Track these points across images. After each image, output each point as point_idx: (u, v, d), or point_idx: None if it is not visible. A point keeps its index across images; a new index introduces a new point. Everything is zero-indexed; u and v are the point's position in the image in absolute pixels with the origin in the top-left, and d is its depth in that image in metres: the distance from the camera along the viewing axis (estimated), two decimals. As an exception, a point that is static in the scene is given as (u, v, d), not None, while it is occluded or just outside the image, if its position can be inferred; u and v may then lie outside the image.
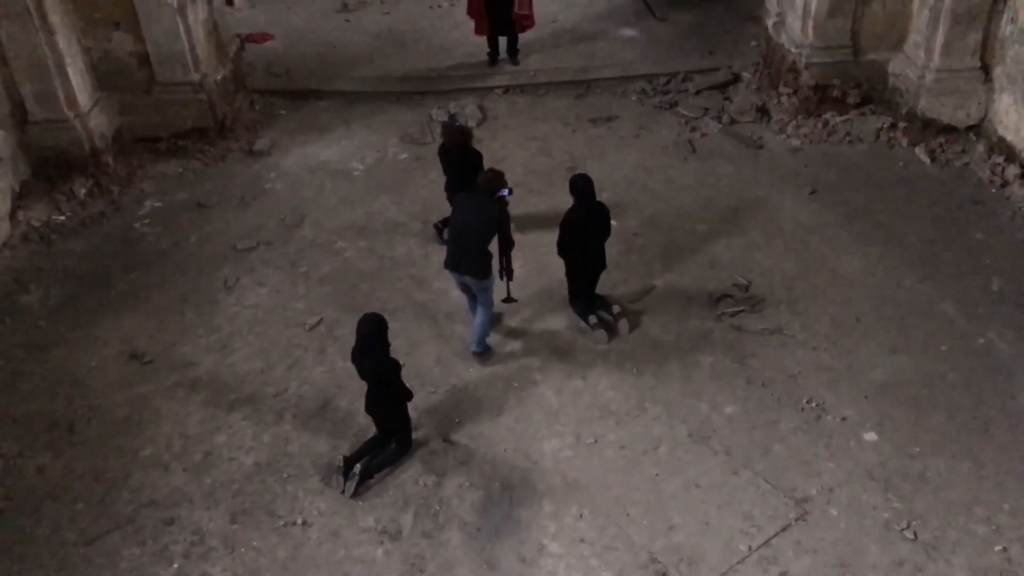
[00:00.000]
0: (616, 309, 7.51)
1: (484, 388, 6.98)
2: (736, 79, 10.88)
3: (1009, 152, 9.07)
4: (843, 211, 8.70)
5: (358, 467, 6.16)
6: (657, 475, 6.25)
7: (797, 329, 7.38)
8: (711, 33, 11.96)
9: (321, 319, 7.63)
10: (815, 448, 6.41)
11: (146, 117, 9.65)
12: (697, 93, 10.68)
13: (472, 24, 11.27)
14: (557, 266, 7.49)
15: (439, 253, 7.90)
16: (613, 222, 7.45)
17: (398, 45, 11.97)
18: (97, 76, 9.36)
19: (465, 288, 7.18)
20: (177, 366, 7.24)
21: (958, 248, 8.21)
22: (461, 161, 7.74)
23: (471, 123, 10.04)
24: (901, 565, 5.65)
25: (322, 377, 7.11)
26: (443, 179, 8.16)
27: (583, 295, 7.48)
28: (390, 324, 6.07)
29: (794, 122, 10.00)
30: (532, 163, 9.57)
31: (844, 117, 9.94)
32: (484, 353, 7.21)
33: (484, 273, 6.93)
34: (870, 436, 6.48)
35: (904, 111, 9.74)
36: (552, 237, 7.30)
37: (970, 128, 9.56)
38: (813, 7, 9.58)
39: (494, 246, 7.05)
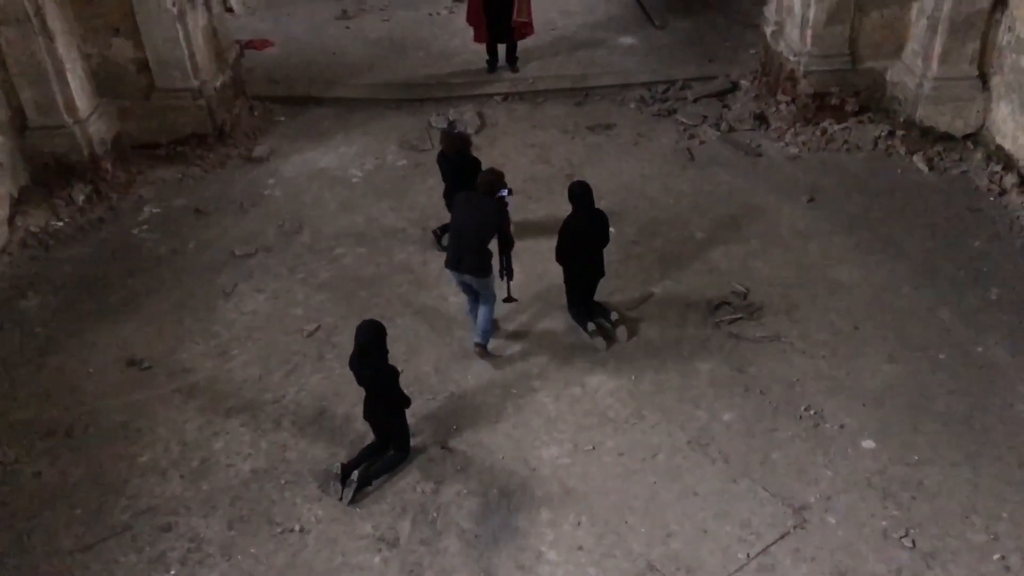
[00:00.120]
0: (614, 316, 7.51)
1: (482, 395, 6.98)
2: (735, 87, 10.91)
3: (1007, 160, 9.08)
4: (841, 219, 8.72)
5: (356, 474, 6.15)
6: (655, 482, 6.25)
7: (795, 337, 7.39)
8: (710, 41, 11.99)
9: (319, 325, 7.63)
10: (813, 456, 6.40)
11: (145, 123, 9.67)
12: (696, 101, 10.70)
13: (471, 31, 11.29)
14: (555, 273, 7.49)
15: (438, 259, 7.91)
16: (611, 229, 7.47)
17: (397, 52, 12.00)
18: (96, 82, 9.37)
19: (466, 288, 7.21)
20: (175, 372, 7.23)
21: (956, 256, 8.21)
22: (460, 168, 7.76)
23: (470, 130, 10.04)
24: (899, 573, 5.64)
25: (320, 383, 7.10)
26: (442, 186, 8.19)
27: (581, 302, 7.48)
28: (388, 330, 6.07)
29: (792, 130, 10.02)
30: (531, 170, 9.57)
31: (842, 125, 9.97)
32: (487, 346, 7.25)
33: (484, 272, 6.98)
34: (868, 444, 6.48)
35: (902, 119, 9.77)
36: (550, 244, 7.31)
37: (968, 136, 9.58)
38: (812, 15, 9.60)
39: (494, 245, 7.08)
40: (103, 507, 6.17)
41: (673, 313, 7.68)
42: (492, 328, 7.30)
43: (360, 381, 6.08)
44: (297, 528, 6.02)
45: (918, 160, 9.50)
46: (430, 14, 12.96)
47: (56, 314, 7.83)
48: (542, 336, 7.51)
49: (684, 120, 10.37)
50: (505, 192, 7.00)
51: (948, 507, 6.02)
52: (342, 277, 8.19)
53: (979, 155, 9.42)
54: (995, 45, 9.21)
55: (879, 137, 9.79)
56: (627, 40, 12.16)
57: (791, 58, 10.06)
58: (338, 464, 6.23)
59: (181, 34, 9.29)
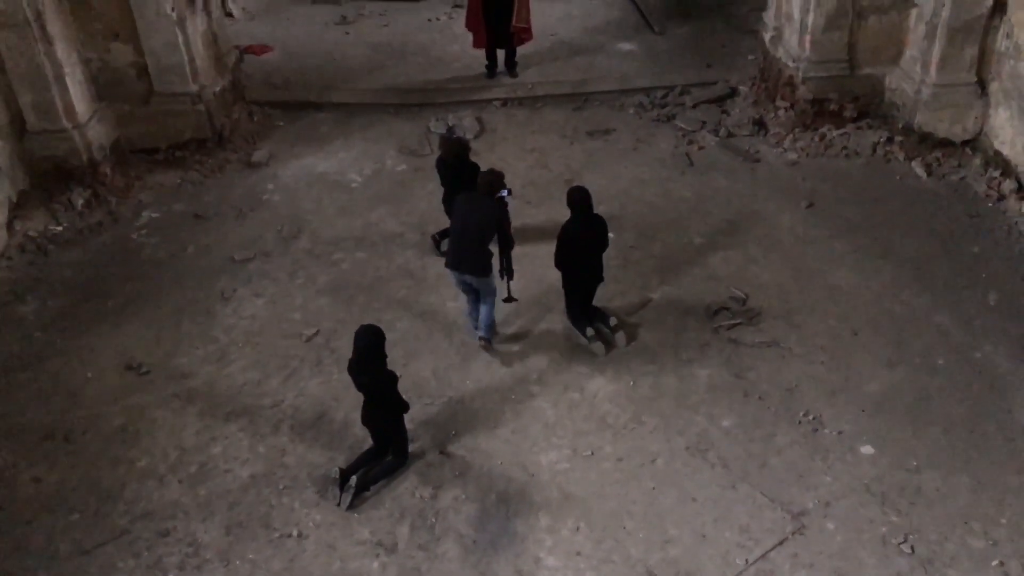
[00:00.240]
0: (613, 321, 7.51)
1: (481, 400, 6.98)
2: (733, 93, 10.92)
3: (1005, 166, 9.10)
4: (840, 224, 8.72)
5: (354, 479, 6.14)
6: (654, 488, 6.24)
7: (794, 342, 7.39)
8: (709, 47, 12.01)
9: (318, 330, 7.63)
10: (812, 461, 6.40)
11: (144, 128, 9.66)
12: (694, 106, 10.71)
13: (470, 37, 11.31)
14: (554, 278, 7.49)
15: (437, 264, 7.91)
16: (610, 234, 7.46)
17: (397, 57, 12.01)
18: (96, 87, 9.37)
19: (466, 287, 7.23)
20: (174, 377, 7.22)
21: (954, 262, 8.22)
22: (458, 173, 7.76)
23: (469, 135, 10.06)
24: (898, 579, 5.65)
25: (319, 388, 7.09)
26: (441, 191, 8.19)
27: (580, 307, 7.48)
28: (387, 335, 6.06)
29: (791, 136, 10.03)
30: (529, 175, 9.58)
31: (841, 131, 9.98)
32: (491, 340, 7.31)
33: (484, 271, 7.02)
34: (867, 449, 6.48)
35: (900, 125, 9.78)
36: (549, 249, 7.31)
37: (966, 142, 9.59)
38: (810, 21, 9.62)
39: (494, 246, 7.10)
40: (101, 512, 6.16)
41: (672, 318, 7.68)
42: (494, 320, 7.35)
43: (359, 386, 6.07)
44: (295, 533, 6.01)
45: (916, 166, 9.51)
46: (429, 19, 12.99)
47: (55, 319, 7.82)
48: (541, 341, 7.51)
49: (683, 125, 10.39)
50: (505, 192, 7.04)
51: (947, 513, 6.02)
52: (341, 282, 8.19)
53: (977, 161, 9.44)
54: (993, 51, 9.23)
55: (878, 143, 9.81)
56: (626, 46, 12.18)
57: (790, 64, 10.08)
58: (336, 469, 6.22)
59: (181, 39, 9.29)
